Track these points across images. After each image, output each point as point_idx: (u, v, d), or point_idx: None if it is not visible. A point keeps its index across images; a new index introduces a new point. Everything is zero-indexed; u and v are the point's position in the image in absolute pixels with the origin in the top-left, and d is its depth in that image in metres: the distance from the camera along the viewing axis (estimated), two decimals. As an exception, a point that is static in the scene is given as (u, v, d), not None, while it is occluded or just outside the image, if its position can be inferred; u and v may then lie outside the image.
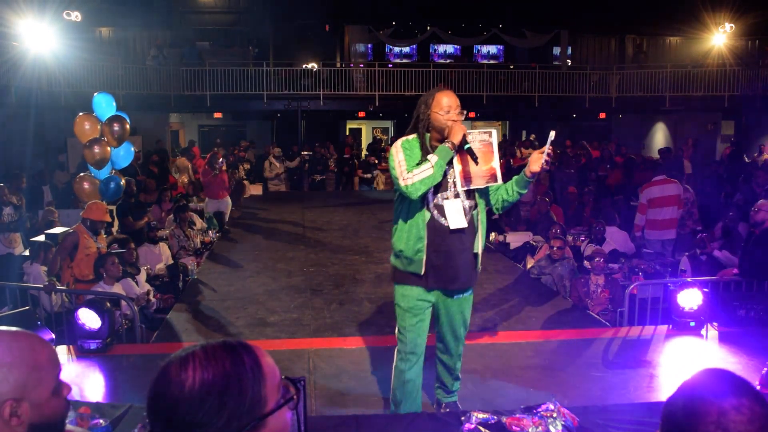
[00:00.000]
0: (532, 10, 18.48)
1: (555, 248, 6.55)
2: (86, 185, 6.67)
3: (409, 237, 3.15)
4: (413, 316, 3.24)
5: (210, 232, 9.11)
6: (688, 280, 5.04)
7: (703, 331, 4.58)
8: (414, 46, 21.12)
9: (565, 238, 7.02)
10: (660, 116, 19.00)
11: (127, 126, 6.77)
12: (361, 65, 19.00)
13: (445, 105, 3.13)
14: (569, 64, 19.86)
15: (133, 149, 7.22)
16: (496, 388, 3.84)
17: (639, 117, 19.67)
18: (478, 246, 3.23)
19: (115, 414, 2.40)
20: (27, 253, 7.01)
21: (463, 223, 3.14)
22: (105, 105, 6.81)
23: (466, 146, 3.07)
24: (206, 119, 21.46)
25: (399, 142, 3.23)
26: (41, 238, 6.86)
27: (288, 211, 11.71)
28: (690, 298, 4.60)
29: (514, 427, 2.31)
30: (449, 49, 21.71)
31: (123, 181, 6.98)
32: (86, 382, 3.98)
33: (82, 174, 6.92)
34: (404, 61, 20.90)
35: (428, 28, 20.22)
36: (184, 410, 1.03)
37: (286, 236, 9.49)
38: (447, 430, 2.36)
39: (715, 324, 4.63)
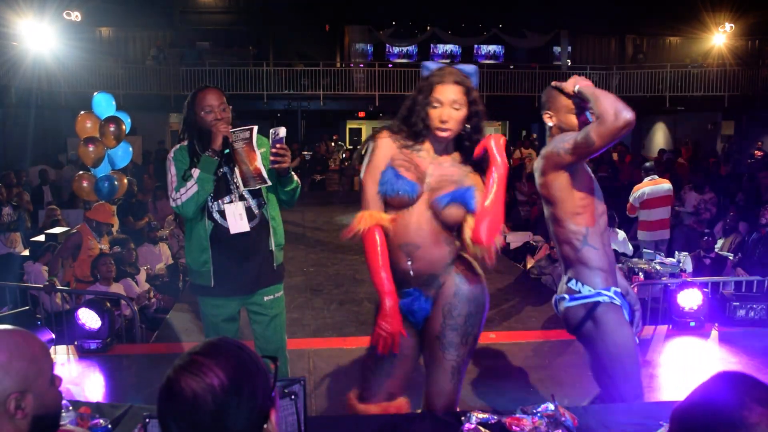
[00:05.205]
0: (532, 10, 18.47)
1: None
2: (85, 183, 6.70)
3: (194, 249, 2.97)
4: (213, 327, 3.11)
5: (210, 232, 9.08)
6: (688, 280, 5.04)
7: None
8: (414, 46, 21.12)
9: (565, 238, 7.00)
10: (660, 116, 18.98)
11: (124, 126, 6.77)
12: (361, 65, 18.99)
13: (206, 104, 2.86)
14: (569, 64, 19.85)
15: (131, 149, 7.23)
16: (496, 388, 3.84)
17: (639, 117, 19.60)
18: (272, 243, 3.11)
19: (115, 414, 2.39)
20: (27, 252, 7.01)
21: (243, 227, 2.95)
22: (105, 105, 6.85)
23: (226, 151, 2.87)
24: (206, 119, 21.45)
25: (171, 152, 2.98)
26: (41, 237, 6.86)
27: (288, 210, 11.67)
28: (690, 298, 4.60)
29: (514, 427, 2.31)
30: (449, 49, 21.71)
31: (120, 181, 6.96)
32: (86, 382, 3.98)
33: (81, 172, 6.93)
34: (404, 61, 20.90)
35: (428, 28, 20.21)
36: (226, 408, 1.05)
37: (286, 236, 9.45)
38: (447, 430, 2.35)
39: (715, 324, 4.63)
